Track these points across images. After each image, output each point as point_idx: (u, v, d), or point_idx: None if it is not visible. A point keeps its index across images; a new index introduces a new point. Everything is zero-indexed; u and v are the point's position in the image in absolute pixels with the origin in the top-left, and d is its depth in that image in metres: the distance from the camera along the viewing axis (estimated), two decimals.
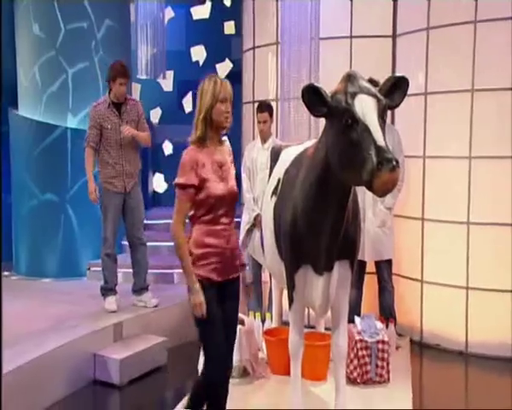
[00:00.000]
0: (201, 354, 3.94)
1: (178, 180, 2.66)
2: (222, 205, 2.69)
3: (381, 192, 2.39)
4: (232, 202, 2.76)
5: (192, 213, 2.71)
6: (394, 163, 2.28)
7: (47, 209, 5.79)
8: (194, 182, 2.65)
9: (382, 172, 2.29)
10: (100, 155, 4.58)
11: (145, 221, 6.70)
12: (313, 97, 2.54)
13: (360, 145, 2.39)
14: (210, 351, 2.75)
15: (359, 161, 2.37)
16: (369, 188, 2.39)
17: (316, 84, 2.60)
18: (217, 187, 2.68)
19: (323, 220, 2.76)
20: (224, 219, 2.71)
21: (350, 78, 2.55)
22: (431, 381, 4.26)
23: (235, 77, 7.38)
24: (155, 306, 4.69)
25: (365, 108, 2.44)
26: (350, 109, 2.45)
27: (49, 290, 5.36)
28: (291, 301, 3.12)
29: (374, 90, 2.53)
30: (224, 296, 2.74)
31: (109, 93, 4.59)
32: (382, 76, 2.72)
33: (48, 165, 5.78)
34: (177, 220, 2.65)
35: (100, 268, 5.70)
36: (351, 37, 5.01)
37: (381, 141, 2.35)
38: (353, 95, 2.48)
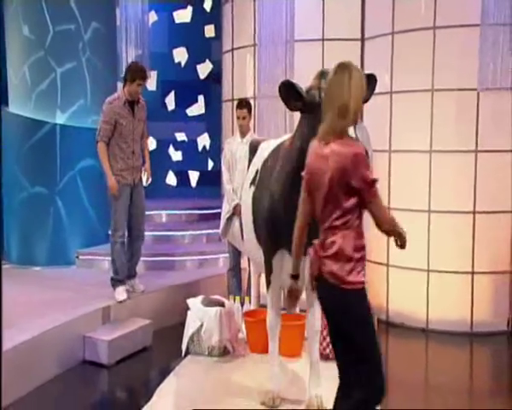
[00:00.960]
0: (185, 336, 3.96)
1: (372, 176, 2.12)
2: None
3: None
4: None
5: (347, 217, 2.17)
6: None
7: (36, 201, 5.67)
8: None
9: None
10: (111, 149, 4.38)
11: None
12: (289, 93, 2.55)
13: None
14: (375, 357, 2.18)
15: None
16: None
17: (291, 80, 2.60)
18: None
19: (298, 207, 2.76)
20: None
21: (323, 75, 2.55)
22: (396, 356, 4.32)
23: (215, 77, 7.37)
24: (142, 291, 4.64)
25: None
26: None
27: (40, 277, 5.26)
28: (268, 283, 3.12)
29: None
30: None
31: (123, 90, 4.42)
32: None
33: (37, 159, 5.65)
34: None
35: (89, 257, 5.69)
36: (323, 39, 5.02)
37: (351, 132, 2.35)
38: None
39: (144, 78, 4.39)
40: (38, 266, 5.62)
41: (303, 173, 2.29)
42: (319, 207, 2.21)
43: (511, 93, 4.39)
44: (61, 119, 5.76)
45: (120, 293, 4.37)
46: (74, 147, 5.79)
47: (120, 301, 4.32)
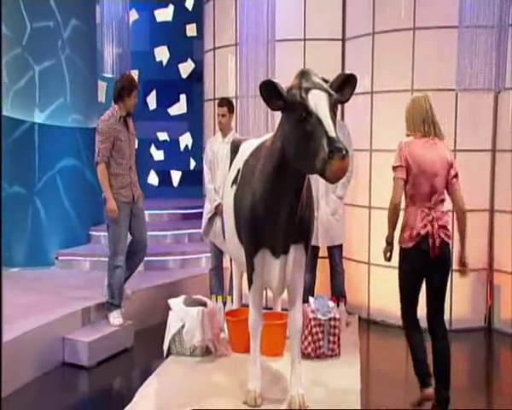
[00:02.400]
0: (166, 336, 3.93)
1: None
2: None
3: (333, 179, 2.41)
4: None
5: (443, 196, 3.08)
6: (344, 152, 2.31)
7: (14, 201, 5.55)
8: None
9: (333, 161, 2.31)
10: (110, 168, 4.16)
11: None
12: (270, 92, 2.55)
13: (313, 136, 2.41)
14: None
15: (312, 150, 2.39)
16: (322, 175, 2.41)
17: (273, 79, 2.60)
18: None
19: (280, 206, 2.77)
20: None
21: (304, 74, 2.56)
22: (378, 353, 4.37)
23: (197, 76, 7.34)
24: (130, 295, 4.50)
25: (318, 102, 2.46)
26: (304, 103, 2.46)
27: (18, 279, 5.16)
28: (250, 282, 3.12)
29: (326, 85, 2.55)
30: None
31: (117, 105, 4.19)
32: (333, 76, 2.73)
33: (15, 159, 5.53)
34: None
35: (69, 257, 5.61)
36: (304, 39, 5.04)
37: (332, 132, 2.38)
38: (307, 90, 2.49)
39: (137, 87, 4.25)
40: (17, 268, 5.52)
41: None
42: (427, 188, 3.00)
43: (488, 94, 4.46)
44: (39, 117, 5.67)
45: (116, 317, 4.19)
46: (54, 146, 5.71)
47: (116, 326, 4.14)
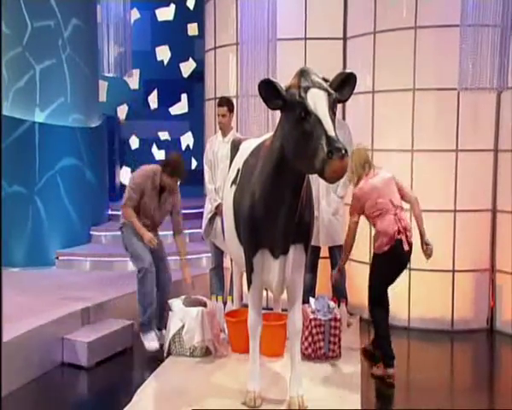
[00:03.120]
0: (166, 337, 3.91)
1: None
2: None
3: (332, 179, 2.40)
4: None
5: None
6: (343, 152, 2.29)
7: (15, 201, 5.56)
8: None
9: (333, 160, 2.29)
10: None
11: (112, 212, 6.58)
12: (269, 91, 2.53)
13: (312, 136, 2.39)
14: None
15: (312, 150, 2.37)
16: (321, 175, 2.39)
17: (271, 78, 2.58)
18: None
19: (279, 206, 2.75)
20: None
21: (303, 73, 2.54)
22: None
23: (199, 75, 7.33)
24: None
25: (317, 101, 2.45)
26: (303, 102, 2.44)
27: (19, 279, 5.15)
28: (250, 283, 3.11)
29: (325, 84, 2.53)
30: None
31: (160, 171, 4.06)
32: (334, 76, 2.71)
33: (15, 158, 5.53)
34: None
35: (69, 257, 5.60)
36: (305, 38, 5.02)
37: (331, 132, 2.36)
38: (306, 89, 2.47)
39: (183, 177, 4.12)
40: (17, 268, 5.52)
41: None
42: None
43: (490, 93, 4.43)
44: (40, 117, 5.67)
45: (152, 341, 3.99)
46: (54, 146, 5.71)
47: (151, 351, 3.96)
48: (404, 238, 3.54)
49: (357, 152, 3.80)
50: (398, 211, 3.62)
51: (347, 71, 2.63)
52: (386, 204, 3.61)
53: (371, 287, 3.70)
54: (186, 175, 4.17)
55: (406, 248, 3.56)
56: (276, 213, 2.78)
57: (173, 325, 3.93)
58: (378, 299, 3.67)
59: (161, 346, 4.02)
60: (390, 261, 3.59)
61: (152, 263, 4.03)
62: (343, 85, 2.58)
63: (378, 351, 3.85)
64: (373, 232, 3.76)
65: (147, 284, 4.00)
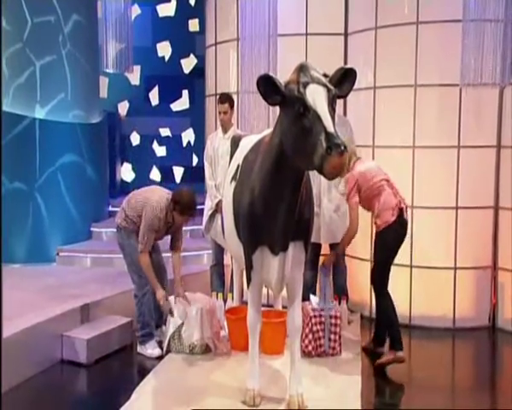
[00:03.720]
0: (165, 334, 3.90)
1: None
2: None
3: (331, 175, 2.37)
4: None
5: None
6: (342, 148, 2.26)
7: (15, 197, 5.54)
8: None
9: (332, 157, 2.27)
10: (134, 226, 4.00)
11: (113, 208, 6.57)
12: (268, 87, 2.50)
13: (311, 132, 2.36)
14: None
15: (311, 146, 2.35)
16: (320, 172, 2.36)
17: (270, 74, 2.55)
18: None
19: (278, 203, 2.73)
20: None
21: (302, 68, 2.51)
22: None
23: (200, 72, 7.30)
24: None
25: (316, 97, 2.42)
26: (302, 98, 2.41)
27: (19, 275, 5.15)
28: (249, 280, 3.09)
29: (324, 80, 2.50)
30: None
31: (172, 207, 3.94)
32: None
33: (16, 154, 5.51)
34: None
35: (70, 254, 5.59)
36: (306, 34, 4.98)
37: (330, 127, 2.33)
38: (305, 84, 2.44)
39: (193, 215, 3.97)
40: (17, 264, 5.51)
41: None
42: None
43: (493, 88, 4.39)
44: (40, 113, 5.65)
45: (153, 348, 3.97)
46: (55, 142, 5.69)
47: (156, 357, 3.91)
48: (404, 207, 3.76)
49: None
50: (394, 188, 3.81)
51: (347, 66, 2.60)
52: (382, 182, 3.79)
53: (375, 269, 3.85)
54: (196, 212, 3.97)
55: (406, 216, 3.78)
56: (276, 210, 2.75)
57: (173, 323, 3.92)
58: (382, 283, 3.79)
59: (160, 343, 4.01)
60: (395, 231, 3.73)
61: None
62: (343, 81, 2.54)
63: (379, 348, 3.87)
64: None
65: (145, 305, 4.01)
